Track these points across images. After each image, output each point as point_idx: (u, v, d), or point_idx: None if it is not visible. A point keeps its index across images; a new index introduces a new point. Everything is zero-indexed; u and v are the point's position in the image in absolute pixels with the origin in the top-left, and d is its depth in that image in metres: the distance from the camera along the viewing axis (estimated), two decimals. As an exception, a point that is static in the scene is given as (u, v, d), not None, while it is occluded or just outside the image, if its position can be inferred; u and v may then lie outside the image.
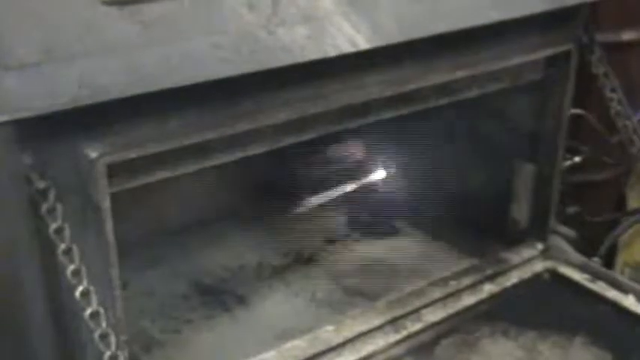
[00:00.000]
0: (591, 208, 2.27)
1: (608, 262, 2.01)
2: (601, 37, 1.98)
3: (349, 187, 2.24)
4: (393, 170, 2.21)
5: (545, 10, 1.55)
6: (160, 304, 1.89)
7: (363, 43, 1.33)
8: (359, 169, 2.27)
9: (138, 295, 1.91)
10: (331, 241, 2.16)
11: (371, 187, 2.24)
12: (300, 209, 2.21)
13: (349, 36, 1.33)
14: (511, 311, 1.73)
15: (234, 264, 2.05)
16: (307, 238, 2.14)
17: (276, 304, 1.89)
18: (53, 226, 1.09)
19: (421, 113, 1.67)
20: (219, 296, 1.93)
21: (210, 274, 2.01)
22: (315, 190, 2.23)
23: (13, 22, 1.05)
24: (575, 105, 2.03)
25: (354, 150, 2.30)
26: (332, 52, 1.30)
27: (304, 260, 2.08)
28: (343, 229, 2.21)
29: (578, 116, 2.10)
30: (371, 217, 2.21)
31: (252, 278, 2.00)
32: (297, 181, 2.24)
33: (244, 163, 2.09)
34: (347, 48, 1.32)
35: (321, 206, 2.23)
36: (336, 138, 2.25)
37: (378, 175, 2.24)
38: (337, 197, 2.24)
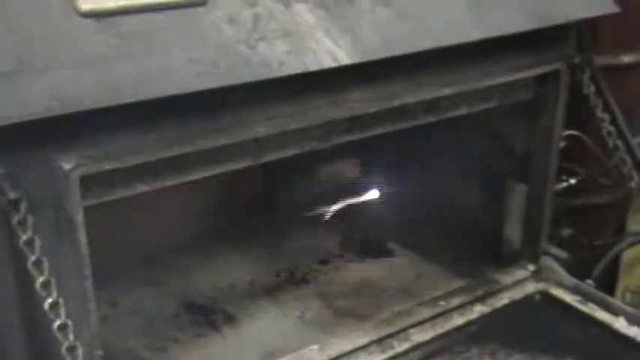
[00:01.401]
0: (591, 232, 2.25)
1: (603, 284, 1.98)
2: (600, 59, 1.98)
3: (342, 208, 2.23)
4: (385, 190, 2.20)
5: (530, 29, 1.54)
6: (148, 323, 1.89)
7: (345, 59, 1.33)
8: (352, 190, 2.26)
9: (127, 314, 1.91)
10: (324, 262, 2.15)
11: (364, 208, 2.23)
12: (294, 229, 2.20)
13: (331, 51, 1.33)
14: (501, 332, 1.71)
15: (225, 283, 2.04)
16: (300, 258, 2.14)
17: (266, 323, 1.88)
18: (23, 237, 1.09)
19: (414, 134, 1.67)
20: (209, 315, 1.92)
21: (200, 294, 2.00)
22: (309, 210, 2.22)
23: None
24: (575, 126, 2.02)
25: (348, 170, 2.30)
26: (312, 67, 1.30)
27: (296, 280, 2.07)
28: (336, 249, 2.20)
29: (576, 137, 2.08)
30: (364, 237, 2.20)
31: (242, 298, 1.99)
32: (290, 200, 2.24)
33: (238, 181, 2.12)
34: (328, 63, 1.32)
35: (315, 226, 2.22)
36: (329, 158, 2.25)
37: (372, 195, 2.23)
38: (331, 217, 2.23)
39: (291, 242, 2.19)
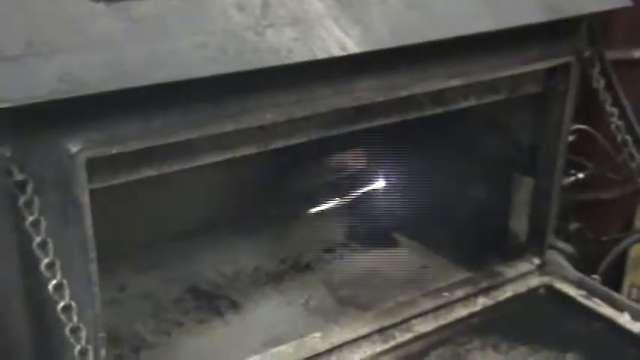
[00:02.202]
0: (599, 227, 2.25)
1: (610, 280, 1.97)
2: (612, 53, 1.97)
3: (349, 197, 2.24)
4: (392, 181, 2.20)
5: (543, 21, 1.53)
6: (154, 307, 1.90)
7: (353, 47, 1.33)
8: (359, 179, 2.26)
9: (133, 298, 1.93)
10: (329, 250, 2.15)
11: (370, 197, 2.23)
12: (300, 217, 2.21)
13: (339, 40, 1.33)
14: (504, 325, 1.71)
15: (230, 269, 2.05)
16: (305, 246, 2.14)
17: (269, 310, 1.89)
18: (30, 218, 1.10)
19: (421, 124, 1.66)
20: (213, 301, 1.93)
21: (206, 279, 2.02)
22: (315, 199, 2.23)
23: (-4, 15, 1.06)
24: (584, 120, 2.01)
25: (355, 159, 2.30)
26: (320, 55, 1.30)
27: (301, 268, 2.08)
28: (342, 238, 2.20)
29: (585, 132, 2.08)
30: (369, 227, 2.20)
31: (247, 284, 2.00)
32: (297, 188, 2.24)
33: (245, 168, 2.12)
34: (336, 52, 1.32)
35: (321, 215, 2.22)
36: (337, 147, 2.25)
37: (378, 185, 2.23)
38: (337, 206, 2.24)
39: (296, 230, 2.20)
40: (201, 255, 2.07)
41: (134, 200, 1.90)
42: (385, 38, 1.37)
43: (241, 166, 1.55)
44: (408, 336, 1.65)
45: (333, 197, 2.21)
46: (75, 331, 1.10)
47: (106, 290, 1.84)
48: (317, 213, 2.19)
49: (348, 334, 1.62)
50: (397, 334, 1.65)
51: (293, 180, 2.23)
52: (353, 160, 2.31)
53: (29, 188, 1.10)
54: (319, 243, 2.17)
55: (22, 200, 1.10)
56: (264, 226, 2.18)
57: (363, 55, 1.34)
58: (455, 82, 1.53)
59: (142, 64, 1.14)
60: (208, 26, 1.23)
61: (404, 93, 1.47)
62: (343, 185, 2.25)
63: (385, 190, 2.22)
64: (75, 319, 1.10)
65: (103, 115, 1.17)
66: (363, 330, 1.63)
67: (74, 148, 1.13)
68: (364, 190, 2.21)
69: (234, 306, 1.90)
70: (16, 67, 1.05)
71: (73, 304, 1.10)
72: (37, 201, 1.10)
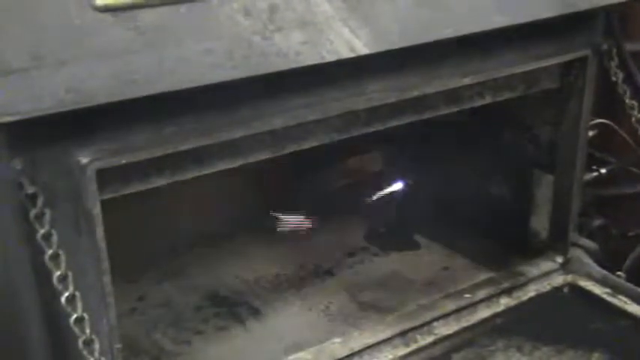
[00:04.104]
0: (623, 222, 2.21)
1: (635, 276, 1.93)
2: (632, 46, 1.94)
3: (369, 200, 2.22)
4: (411, 183, 2.18)
5: (555, 16, 1.51)
6: (174, 316, 1.90)
7: (363, 49, 1.31)
8: (379, 181, 2.24)
9: (153, 307, 1.93)
10: (350, 255, 2.14)
11: (390, 200, 2.21)
12: (319, 222, 2.19)
13: (348, 41, 1.31)
14: (527, 326, 1.68)
15: (250, 276, 2.05)
16: (325, 251, 2.13)
17: (290, 316, 1.88)
18: (41, 231, 1.10)
19: (440, 124, 1.64)
20: (234, 308, 1.92)
21: (226, 286, 2.01)
22: (335, 203, 2.21)
23: (2, 29, 1.06)
24: (606, 114, 1.98)
25: (374, 161, 2.28)
26: (329, 58, 1.28)
27: (321, 273, 2.06)
28: (362, 242, 2.18)
29: (607, 126, 2.04)
30: (390, 230, 2.18)
31: (267, 290, 1.99)
32: (316, 193, 2.23)
33: (263, 173, 2.12)
34: (346, 53, 1.30)
35: (341, 219, 2.21)
36: (356, 150, 2.23)
37: (398, 187, 2.21)
38: (357, 209, 2.22)
39: (316, 235, 2.18)
40: (220, 262, 2.07)
41: (152, 208, 1.90)
42: (395, 38, 1.35)
43: (258, 169, 1.54)
44: (429, 339, 1.63)
45: (352, 200, 2.20)
46: (88, 343, 1.09)
47: (125, 300, 1.88)
48: (337, 217, 2.18)
49: (369, 339, 1.60)
50: (419, 337, 1.63)
51: (311, 184, 2.22)
52: (372, 162, 2.29)
53: (40, 201, 1.10)
54: (340, 247, 2.15)
55: (33, 213, 1.10)
56: (283, 232, 2.17)
57: (373, 56, 1.33)
58: (468, 80, 1.51)
59: (150, 72, 1.13)
60: (215, 32, 1.22)
61: (416, 93, 1.45)
62: (362, 188, 2.23)
63: (405, 192, 2.21)
64: (88, 331, 1.09)
65: (112, 126, 1.17)
66: (384, 334, 1.62)
67: (84, 160, 1.13)
68: (383, 192, 2.19)
69: (255, 313, 1.89)
70: (24, 80, 1.04)
71: (86, 316, 1.10)
72: (48, 213, 1.10)
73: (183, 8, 1.22)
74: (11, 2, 1.09)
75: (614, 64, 1.73)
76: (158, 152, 1.20)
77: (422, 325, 1.65)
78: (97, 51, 1.12)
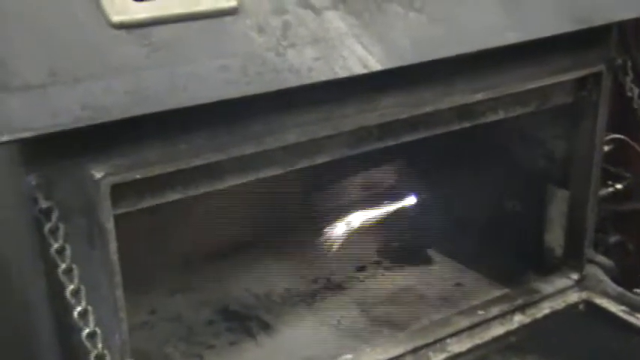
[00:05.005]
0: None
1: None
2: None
3: (381, 214, 2.21)
4: (425, 196, 2.17)
5: (569, 31, 1.50)
6: (185, 330, 1.90)
7: (375, 65, 1.32)
8: (391, 196, 2.24)
9: (164, 321, 1.93)
10: (361, 269, 2.13)
11: (403, 214, 2.21)
12: (331, 236, 2.19)
13: (361, 57, 1.31)
14: (541, 343, 1.67)
15: (261, 290, 2.04)
16: (337, 266, 2.12)
17: (301, 331, 1.87)
18: (55, 245, 1.10)
19: (453, 139, 1.64)
20: (245, 322, 1.92)
21: (237, 301, 2.01)
22: (347, 217, 2.21)
23: (20, 45, 1.08)
24: (622, 129, 1.96)
25: (386, 176, 2.28)
26: (342, 74, 1.29)
27: (333, 287, 2.05)
28: (374, 256, 2.18)
29: (622, 141, 2.03)
30: (402, 244, 2.17)
31: (279, 305, 1.98)
32: (327, 207, 2.22)
33: (275, 188, 2.12)
34: (358, 69, 1.30)
35: (353, 233, 2.20)
36: (368, 163, 2.23)
37: (410, 201, 2.20)
38: (369, 224, 2.22)
39: (328, 249, 2.18)
40: (232, 276, 2.07)
41: (165, 222, 1.91)
42: (408, 54, 1.36)
43: (270, 184, 1.54)
44: (442, 356, 1.62)
45: (364, 215, 2.19)
46: (100, 357, 1.10)
47: (137, 313, 1.88)
48: (349, 231, 2.18)
49: (380, 355, 1.60)
50: (431, 354, 1.62)
51: (322, 198, 2.22)
52: (384, 176, 2.29)
53: (54, 216, 1.11)
54: (351, 262, 2.14)
55: (47, 227, 1.11)
56: (295, 246, 2.17)
57: (385, 72, 1.33)
58: (481, 96, 1.51)
59: (164, 88, 1.14)
60: (229, 49, 1.23)
61: (429, 108, 1.45)
62: (374, 202, 2.22)
63: (418, 206, 2.20)
64: (100, 345, 1.10)
65: (126, 141, 1.18)
66: (396, 350, 1.61)
67: (98, 174, 1.14)
68: (396, 206, 2.19)
69: (266, 327, 1.89)
70: (40, 96, 1.06)
71: (98, 330, 1.10)
72: (62, 228, 1.11)
73: (197, 25, 1.23)
74: (28, 19, 1.11)
75: (629, 79, 1.72)
76: (171, 168, 1.21)
77: (434, 342, 1.64)
78: (112, 67, 1.13)
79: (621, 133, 2.01)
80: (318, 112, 1.34)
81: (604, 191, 1.98)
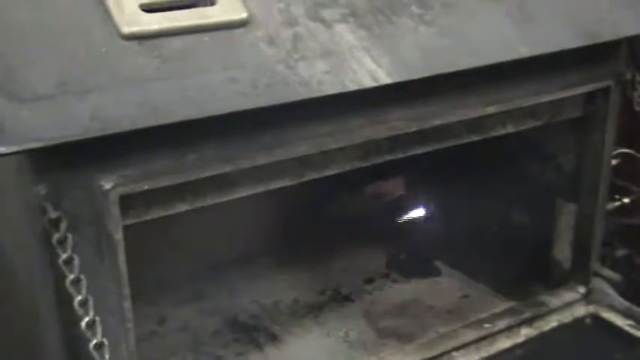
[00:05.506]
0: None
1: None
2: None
3: (389, 226, 2.21)
4: (433, 209, 2.17)
5: (579, 46, 1.50)
6: (192, 340, 1.90)
7: (385, 78, 1.32)
8: (399, 208, 2.24)
9: (172, 331, 1.93)
10: (369, 281, 2.13)
11: (411, 226, 2.21)
12: (339, 247, 2.19)
13: (371, 71, 1.32)
14: (548, 357, 1.67)
15: (269, 301, 2.04)
16: (345, 277, 2.12)
17: (308, 342, 1.87)
18: (63, 256, 1.11)
19: (462, 152, 1.64)
20: (252, 333, 1.92)
21: (245, 312, 2.01)
22: (355, 228, 2.21)
23: (30, 55, 1.09)
24: (629, 144, 1.96)
25: (394, 188, 2.28)
26: (352, 87, 1.29)
27: (340, 299, 2.05)
28: (382, 268, 2.17)
29: (630, 155, 2.03)
30: (410, 256, 2.17)
31: (286, 316, 1.98)
32: (336, 218, 2.23)
33: (283, 199, 2.12)
34: (368, 83, 1.31)
35: (360, 245, 2.21)
36: (377, 176, 2.23)
37: (419, 214, 2.20)
38: (377, 236, 2.22)
39: (336, 261, 2.18)
40: (240, 287, 2.07)
41: (172, 233, 1.91)
42: (417, 67, 1.36)
43: (278, 195, 1.54)
44: (448, 369, 1.62)
45: (372, 226, 2.20)
46: (107, 369, 1.10)
47: (145, 323, 1.89)
48: (356, 243, 2.18)
49: (387, 368, 1.60)
50: (437, 367, 1.62)
51: (331, 210, 2.22)
52: (392, 188, 2.29)
53: (63, 226, 1.11)
54: (359, 273, 2.14)
55: (55, 238, 1.11)
56: (303, 257, 2.17)
57: (395, 85, 1.33)
58: (490, 110, 1.51)
59: (174, 100, 1.15)
60: (239, 61, 1.24)
61: (438, 122, 1.45)
62: (382, 214, 2.22)
63: (426, 219, 2.20)
64: (107, 356, 1.10)
65: (135, 152, 1.18)
66: (403, 363, 1.61)
67: (107, 185, 1.14)
68: (404, 218, 2.19)
69: (273, 338, 1.89)
70: (49, 106, 1.06)
71: (105, 341, 1.10)
72: (70, 238, 1.11)
73: (207, 37, 1.23)
74: (38, 30, 1.12)
75: (637, 93, 1.72)
76: (180, 179, 1.21)
77: (441, 355, 1.64)
78: (122, 78, 1.14)
79: (629, 148, 2.00)
80: (327, 125, 1.34)
81: (611, 205, 1.97)
